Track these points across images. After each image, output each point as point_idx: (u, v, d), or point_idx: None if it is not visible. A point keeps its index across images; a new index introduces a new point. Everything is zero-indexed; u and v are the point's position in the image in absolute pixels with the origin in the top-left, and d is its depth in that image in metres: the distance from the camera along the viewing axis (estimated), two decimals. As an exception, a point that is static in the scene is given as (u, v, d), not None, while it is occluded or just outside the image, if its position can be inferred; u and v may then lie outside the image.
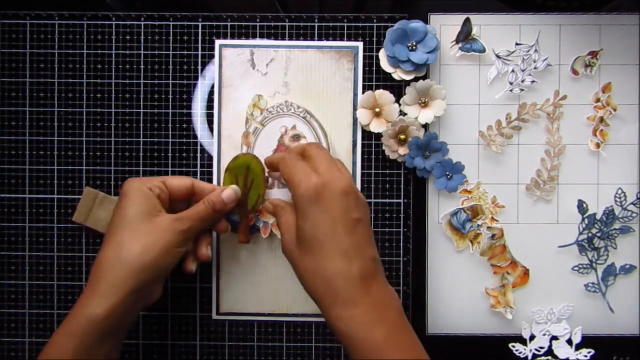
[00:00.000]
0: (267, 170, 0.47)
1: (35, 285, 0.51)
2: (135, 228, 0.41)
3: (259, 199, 0.47)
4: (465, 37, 0.49)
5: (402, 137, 0.48)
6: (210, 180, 0.50)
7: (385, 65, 0.48)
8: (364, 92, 0.49)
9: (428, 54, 0.47)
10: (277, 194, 0.48)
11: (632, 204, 0.49)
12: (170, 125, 0.50)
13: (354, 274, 0.37)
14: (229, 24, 0.50)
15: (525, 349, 0.50)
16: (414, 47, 0.47)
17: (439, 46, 0.48)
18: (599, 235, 0.50)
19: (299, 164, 0.41)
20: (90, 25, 0.50)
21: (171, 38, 0.50)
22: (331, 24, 0.50)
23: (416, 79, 0.48)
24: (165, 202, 0.44)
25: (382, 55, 0.48)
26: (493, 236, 0.49)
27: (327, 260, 0.38)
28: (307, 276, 0.39)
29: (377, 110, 0.49)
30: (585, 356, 0.50)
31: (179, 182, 0.45)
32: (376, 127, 0.49)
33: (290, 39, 0.50)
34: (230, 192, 0.45)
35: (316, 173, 0.39)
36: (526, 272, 0.49)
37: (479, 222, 0.49)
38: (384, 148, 0.49)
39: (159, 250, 0.40)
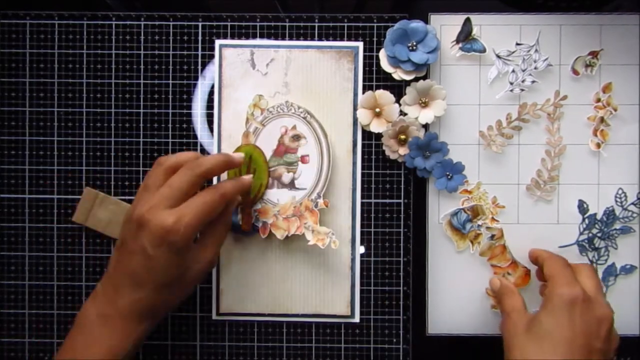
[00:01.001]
0: (269, 165, 0.48)
1: (35, 285, 0.51)
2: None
3: (261, 187, 0.47)
4: (465, 37, 0.49)
5: (402, 137, 0.48)
6: (210, 179, 0.50)
7: (385, 65, 0.48)
8: (364, 92, 0.49)
9: (428, 54, 0.47)
10: (276, 194, 0.48)
11: (633, 204, 0.49)
12: (170, 125, 0.50)
13: None
14: (229, 23, 0.50)
15: (525, 349, 0.50)
16: (414, 47, 0.47)
17: (439, 46, 0.48)
18: (599, 235, 0.50)
19: (565, 268, 0.42)
20: (90, 25, 0.50)
21: (171, 38, 0.50)
22: (331, 24, 0.50)
23: (416, 79, 0.48)
24: None
25: (382, 55, 0.48)
26: (492, 236, 0.49)
27: (548, 356, 0.39)
28: (524, 357, 0.40)
29: (377, 110, 0.49)
30: (586, 356, 0.49)
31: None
32: (376, 127, 0.49)
33: (290, 38, 0.50)
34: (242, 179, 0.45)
35: (579, 283, 0.41)
36: (527, 273, 0.49)
37: (479, 222, 0.49)
38: (384, 148, 0.49)
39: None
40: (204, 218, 0.40)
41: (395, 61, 0.48)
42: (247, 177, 0.45)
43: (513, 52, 0.49)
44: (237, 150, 0.48)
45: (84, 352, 0.40)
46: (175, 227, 0.38)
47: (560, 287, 0.40)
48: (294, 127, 0.48)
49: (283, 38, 0.50)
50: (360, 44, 0.50)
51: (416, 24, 0.47)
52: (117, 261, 0.41)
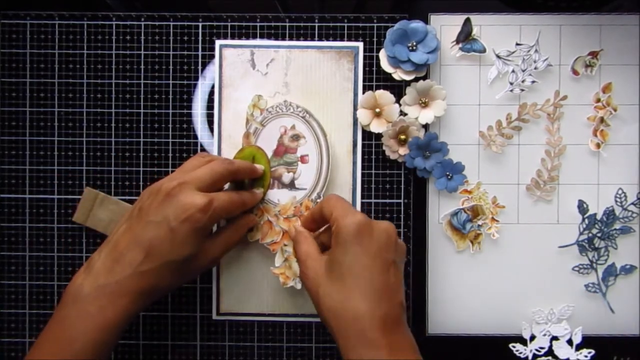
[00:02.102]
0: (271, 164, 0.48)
1: (35, 285, 0.51)
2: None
3: (264, 188, 0.47)
4: (465, 37, 0.49)
5: (402, 137, 0.48)
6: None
7: (385, 65, 0.48)
8: (364, 92, 0.49)
9: (428, 54, 0.47)
10: (277, 194, 0.48)
11: (632, 204, 0.49)
12: (170, 125, 0.50)
13: (382, 315, 0.37)
14: (229, 24, 0.50)
15: (525, 349, 0.50)
16: (414, 47, 0.47)
17: (439, 46, 0.48)
18: (599, 235, 0.50)
19: (343, 201, 0.41)
20: (90, 25, 0.50)
21: (171, 38, 0.50)
22: (331, 24, 0.50)
23: (416, 79, 0.48)
24: None
25: (382, 55, 0.48)
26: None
27: (358, 297, 0.37)
28: (332, 310, 0.38)
29: (377, 110, 0.49)
30: (586, 356, 0.49)
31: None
32: (376, 127, 0.49)
33: (290, 39, 0.50)
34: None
35: (357, 211, 0.40)
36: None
37: (479, 222, 0.49)
38: (384, 148, 0.49)
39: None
40: (230, 211, 0.43)
41: (395, 61, 0.48)
42: (259, 192, 0.47)
43: (513, 52, 0.49)
44: (241, 151, 0.48)
45: (75, 326, 0.38)
46: (205, 207, 0.39)
47: (341, 219, 0.39)
48: (293, 127, 0.48)
49: (283, 38, 0.50)
50: (360, 44, 0.50)
51: (416, 24, 0.47)
52: (127, 230, 0.40)
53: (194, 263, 0.42)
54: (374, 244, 0.38)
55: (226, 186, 0.47)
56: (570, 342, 0.50)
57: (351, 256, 0.38)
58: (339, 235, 0.39)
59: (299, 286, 0.47)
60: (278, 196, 0.48)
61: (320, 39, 0.50)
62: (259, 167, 0.47)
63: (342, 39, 0.50)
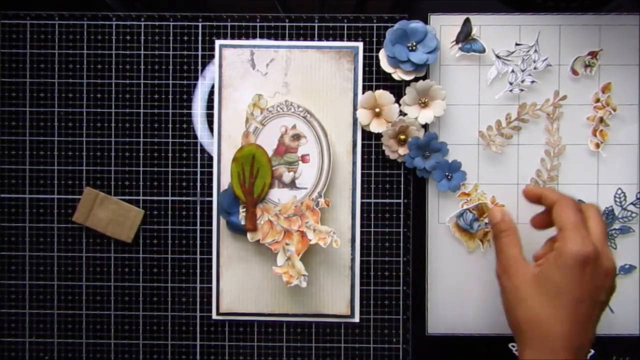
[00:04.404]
0: (269, 162, 0.48)
1: (35, 285, 0.51)
2: None
3: (265, 187, 0.48)
4: (465, 37, 0.49)
5: (402, 137, 0.48)
6: (210, 180, 0.50)
7: (385, 65, 0.48)
8: (363, 92, 0.49)
9: (428, 54, 0.47)
10: (277, 193, 0.48)
11: (632, 204, 0.49)
12: (170, 125, 0.50)
13: (577, 345, 0.39)
14: (229, 24, 0.50)
15: (525, 349, 0.50)
16: (414, 47, 0.47)
17: (439, 46, 0.48)
18: (598, 235, 0.50)
19: (577, 218, 0.40)
20: (90, 25, 0.50)
21: (171, 38, 0.50)
22: (331, 24, 0.50)
23: (416, 79, 0.48)
24: None
25: (382, 55, 0.49)
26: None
27: (561, 321, 0.38)
28: (529, 321, 0.39)
29: (377, 110, 0.49)
30: (585, 356, 0.50)
31: None
32: (376, 127, 0.49)
33: (290, 39, 0.50)
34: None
35: (591, 237, 0.40)
36: (303, 234, 0.47)
37: (486, 220, 0.49)
38: (383, 148, 0.49)
39: None
40: None
41: (395, 61, 0.48)
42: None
43: (512, 53, 0.49)
44: (240, 150, 0.48)
45: None
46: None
47: (573, 244, 0.39)
48: (294, 127, 0.49)
49: (283, 38, 0.50)
50: (360, 44, 0.50)
51: (416, 24, 0.47)
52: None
53: None
54: (594, 281, 0.39)
55: (227, 179, 0.47)
56: (570, 341, 0.50)
57: (568, 283, 0.39)
58: (562, 257, 0.39)
59: (304, 284, 0.47)
60: (279, 196, 0.48)
61: (320, 39, 0.50)
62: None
63: (342, 39, 0.50)
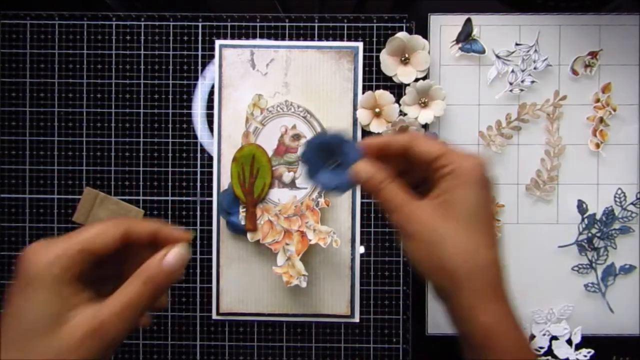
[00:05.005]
0: (270, 160, 0.48)
1: (35, 285, 0.51)
2: (32, 345, 0.28)
3: (265, 187, 0.48)
4: (465, 37, 0.49)
5: (402, 137, 0.48)
6: (210, 180, 0.50)
7: (386, 67, 0.48)
8: (363, 92, 0.49)
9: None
10: (277, 193, 0.48)
11: (632, 203, 0.49)
12: (170, 125, 0.50)
13: (501, 270, 0.33)
14: (229, 24, 0.50)
15: (525, 349, 0.50)
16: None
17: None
18: (598, 235, 0.50)
19: (440, 141, 0.35)
20: (90, 25, 0.50)
21: (171, 38, 0.50)
22: (331, 24, 0.50)
23: (416, 79, 0.48)
24: (89, 272, 0.30)
25: (383, 57, 0.49)
26: None
27: (487, 244, 0.33)
28: (459, 256, 0.33)
29: (377, 110, 0.49)
30: (585, 356, 0.50)
31: (103, 240, 0.30)
32: (376, 127, 0.49)
33: (290, 39, 0.50)
34: (174, 255, 0.31)
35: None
36: (303, 234, 0.46)
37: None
38: (383, 148, 0.49)
39: None
40: None
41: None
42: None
43: (512, 53, 0.49)
44: (240, 150, 0.48)
45: None
46: None
47: (466, 160, 0.33)
48: (294, 127, 0.49)
49: (283, 38, 0.50)
50: (360, 44, 0.50)
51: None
52: None
53: None
54: (492, 188, 0.34)
55: (227, 178, 0.47)
56: (569, 341, 0.50)
57: (476, 200, 0.33)
58: (461, 176, 0.33)
59: (303, 284, 0.47)
60: (278, 196, 0.48)
61: (320, 39, 0.50)
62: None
63: (342, 39, 0.50)
